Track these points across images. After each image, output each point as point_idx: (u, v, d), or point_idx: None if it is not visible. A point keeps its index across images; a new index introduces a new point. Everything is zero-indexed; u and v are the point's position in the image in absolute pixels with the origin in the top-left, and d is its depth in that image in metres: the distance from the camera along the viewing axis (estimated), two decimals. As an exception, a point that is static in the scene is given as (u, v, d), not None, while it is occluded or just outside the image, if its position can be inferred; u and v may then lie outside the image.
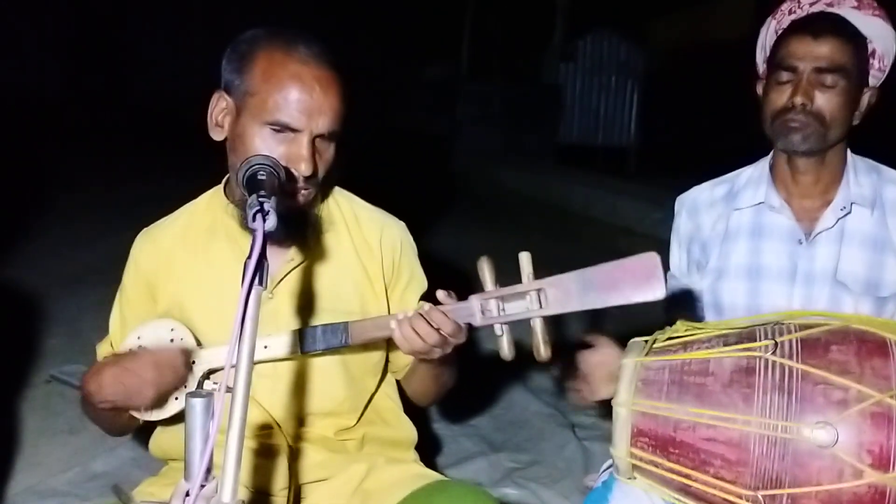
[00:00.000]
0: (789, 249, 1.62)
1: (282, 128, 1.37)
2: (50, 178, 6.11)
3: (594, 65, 9.53)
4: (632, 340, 1.44)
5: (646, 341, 1.42)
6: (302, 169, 1.38)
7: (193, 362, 1.44)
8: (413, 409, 1.72)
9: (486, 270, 1.33)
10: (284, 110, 1.37)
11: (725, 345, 1.32)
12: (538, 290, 1.28)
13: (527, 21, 10.12)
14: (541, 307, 1.28)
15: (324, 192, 1.56)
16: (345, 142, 1.48)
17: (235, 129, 1.42)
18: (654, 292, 1.22)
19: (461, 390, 1.79)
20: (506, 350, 1.33)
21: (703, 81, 9.19)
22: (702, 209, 1.74)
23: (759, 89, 1.68)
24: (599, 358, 1.52)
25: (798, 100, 1.54)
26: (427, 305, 1.38)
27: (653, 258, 1.22)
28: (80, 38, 11.65)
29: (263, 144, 1.36)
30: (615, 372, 1.46)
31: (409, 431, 1.67)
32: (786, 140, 1.56)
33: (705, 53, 9.56)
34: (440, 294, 1.36)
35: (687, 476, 1.28)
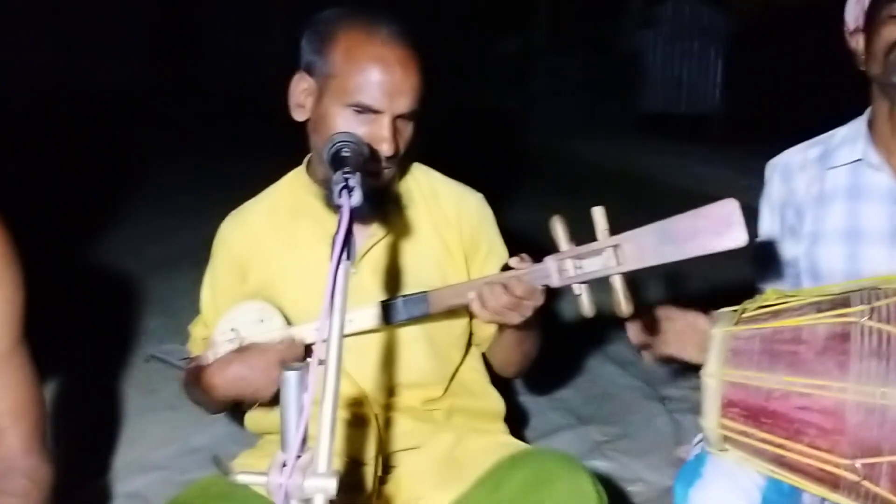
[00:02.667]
0: (890, 210, 1.55)
1: (363, 109, 1.40)
2: (140, 167, 6.32)
3: (675, 31, 9.28)
4: (720, 310, 1.41)
5: (735, 311, 1.39)
6: (384, 149, 1.40)
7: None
8: (499, 383, 1.72)
9: (559, 230, 1.30)
10: (366, 92, 1.39)
11: (818, 311, 1.28)
12: (614, 247, 1.25)
13: (603, -11, 9.93)
14: (618, 263, 1.25)
15: (403, 168, 1.58)
16: (423, 119, 1.49)
17: (318, 110, 1.45)
18: (735, 239, 1.16)
19: (547, 363, 1.79)
20: (586, 308, 1.30)
21: (789, 43, 8.86)
22: (795, 172, 1.68)
23: (854, 42, 1.59)
24: (688, 317, 1.52)
25: None
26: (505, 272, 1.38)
27: (731, 204, 1.16)
28: (162, 27, 11.97)
29: (346, 125, 1.38)
30: (703, 331, 1.45)
31: (497, 403, 1.68)
32: None
33: (791, 14, 9.20)
34: (513, 261, 1.36)
35: (780, 446, 1.25)
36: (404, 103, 1.41)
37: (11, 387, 1.30)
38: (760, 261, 1.76)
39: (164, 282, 3.88)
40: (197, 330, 1.68)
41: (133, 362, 3.10)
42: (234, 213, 1.66)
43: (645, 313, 1.55)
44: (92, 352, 3.09)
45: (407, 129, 1.46)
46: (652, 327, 1.55)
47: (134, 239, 4.64)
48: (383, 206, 1.52)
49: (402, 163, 1.55)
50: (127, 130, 7.71)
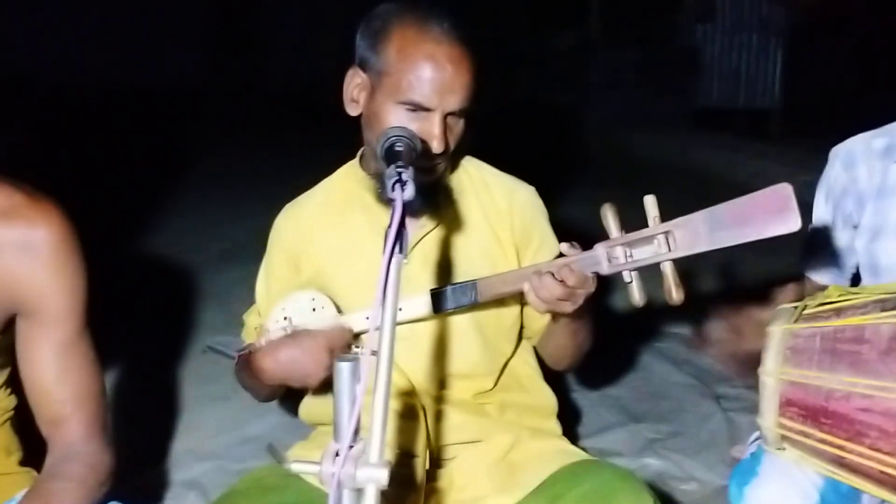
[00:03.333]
0: None
1: (415, 107, 1.41)
2: (197, 163, 6.44)
3: (733, 24, 9.11)
4: (780, 307, 1.38)
5: (795, 308, 1.36)
6: (434, 146, 1.41)
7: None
8: (551, 379, 1.71)
9: (609, 218, 1.29)
10: (418, 90, 1.39)
11: (883, 310, 1.24)
12: (665, 233, 1.23)
13: (659, -18, 9.79)
14: (669, 250, 1.23)
15: (454, 161, 1.59)
16: (476, 114, 1.49)
17: (370, 106, 1.46)
18: (789, 224, 1.12)
19: (599, 360, 1.78)
20: (637, 297, 1.29)
21: (850, 36, 8.63)
22: (859, 160, 1.62)
23: None
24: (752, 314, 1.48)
25: None
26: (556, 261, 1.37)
27: (785, 188, 1.13)
28: (218, 25, 12.14)
29: (397, 122, 1.39)
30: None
31: (549, 398, 1.67)
32: None
33: (853, 6, 8.96)
34: (563, 246, 1.36)
35: (840, 447, 1.22)
36: (455, 101, 1.41)
37: (75, 374, 1.33)
38: (809, 247, 1.73)
39: (220, 274, 3.95)
40: (251, 319, 1.70)
41: (190, 353, 3.17)
42: (288, 205, 1.68)
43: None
44: (150, 342, 3.17)
45: (458, 126, 1.46)
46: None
47: (192, 232, 4.73)
48: (434, 199, 1.53)
49: (454, 157, 1.55)
50: (185, 126, 7.86)
